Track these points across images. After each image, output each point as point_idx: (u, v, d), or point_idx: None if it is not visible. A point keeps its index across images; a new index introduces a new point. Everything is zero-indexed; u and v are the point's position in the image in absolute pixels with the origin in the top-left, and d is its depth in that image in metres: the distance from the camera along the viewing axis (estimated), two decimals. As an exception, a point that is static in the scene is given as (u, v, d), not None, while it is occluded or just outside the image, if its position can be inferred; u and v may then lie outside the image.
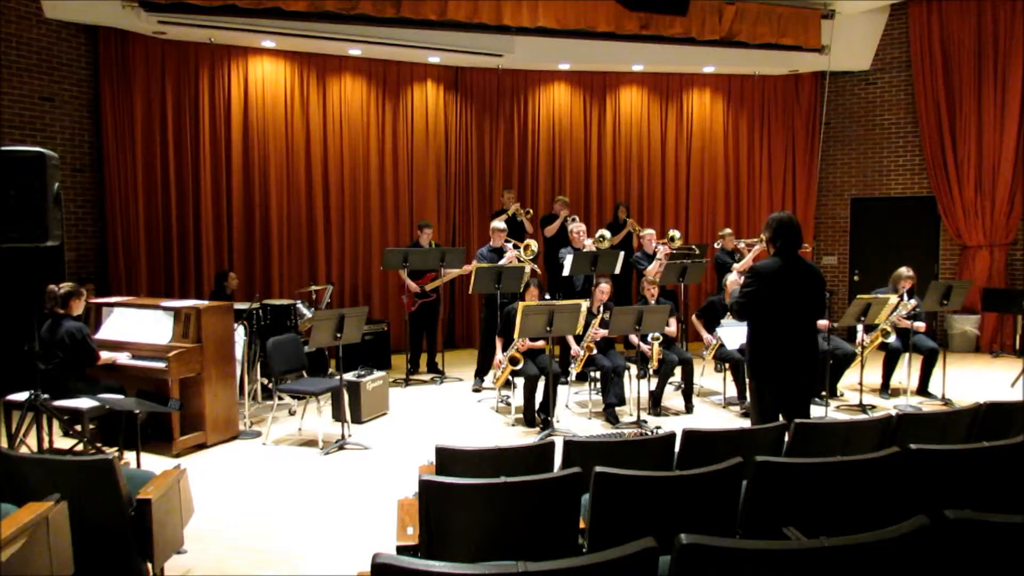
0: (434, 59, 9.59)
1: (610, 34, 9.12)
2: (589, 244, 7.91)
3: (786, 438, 3.57)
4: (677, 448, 3.45)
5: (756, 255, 8.46)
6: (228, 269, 8.30)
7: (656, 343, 6.58)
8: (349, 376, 6.42)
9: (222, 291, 7.80)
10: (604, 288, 6.81)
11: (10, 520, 2.51)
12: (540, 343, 6.54)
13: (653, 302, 6.88)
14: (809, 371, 4.47)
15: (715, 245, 9.10)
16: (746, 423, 6.26)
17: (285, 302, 7.34)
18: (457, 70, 10.04)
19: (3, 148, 3.91)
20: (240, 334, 6.40)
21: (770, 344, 4.38)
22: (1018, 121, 9.37)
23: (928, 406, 6.90)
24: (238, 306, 6.66)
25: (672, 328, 6.98)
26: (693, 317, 7.66)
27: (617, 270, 7.66)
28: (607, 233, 8.38)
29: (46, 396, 4.75)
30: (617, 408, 6.52)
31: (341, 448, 5.76)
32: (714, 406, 7.10)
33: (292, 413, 6.75)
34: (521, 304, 5.94)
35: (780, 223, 4.41)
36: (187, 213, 8.64)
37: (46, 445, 5.04)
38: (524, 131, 10.38)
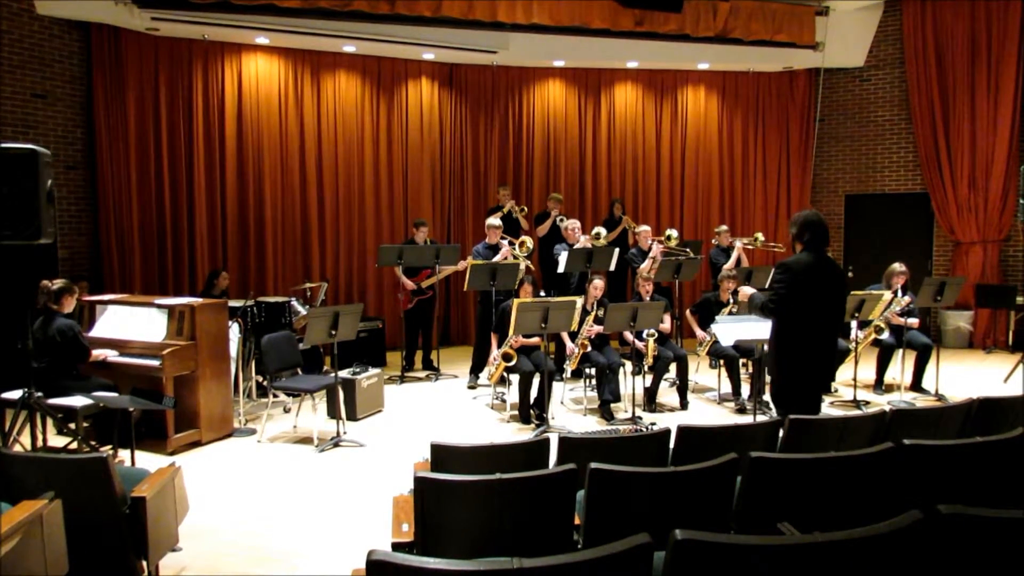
0: (428, 56, 9.57)
1: (605, 31, 9.11)
2: (584, 240, 7.92)
3: (780, 434, 3.58)
4: (672, 444, 3.46)
5: (738, 254, 8.62)
6: (221, 268, 8.26)
7: (651, 339, 6.59)
8: (344, 373, 6.41)
9: (210, 289, 7.74)
10: (598, 284, 6.81)
11: (4, 518, 2.50)
12: (535, 340, 6.54)
13: (648, 299, 6.89)
14: (833, 370, 4.48)
15: (712, 242, 9.13)
16: (741, 419, 6.28)
17: (280, 299, 7.33)
18: (451, 67, 10.02)
19: (-5, 145, 3.89)
20: (235, 331, 6.39)
21: (801, 343, 4.28)
22: (1011, 118, 9.40)
23: (922, 402, 6.94)
24: (232, 303, 6.64)
25: (667, 324, 6.99)
26: (688, 313, 7.68)
27: (612, 267, 7.67)
28: (602, 230, 8.39)
29: (40, 394, 4.74)
30: (612, 404, 6.53)
31: (336, 445, 5.75)
32: (709, 402, 7.11)
33: (287, 411, 6.74)
34: (516, 301, 5.94)
35: (808, 220, 4.33)
36: (181, 210, 8.61)
37: (40, 443, 5.03)
38: (519, 128, 10.37)
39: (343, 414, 6.11)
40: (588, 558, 1.85)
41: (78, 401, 4.94)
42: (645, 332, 6.53)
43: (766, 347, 6.45)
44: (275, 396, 6.68)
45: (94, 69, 8.02)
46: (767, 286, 4.45)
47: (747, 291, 4.63)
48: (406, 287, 8.14)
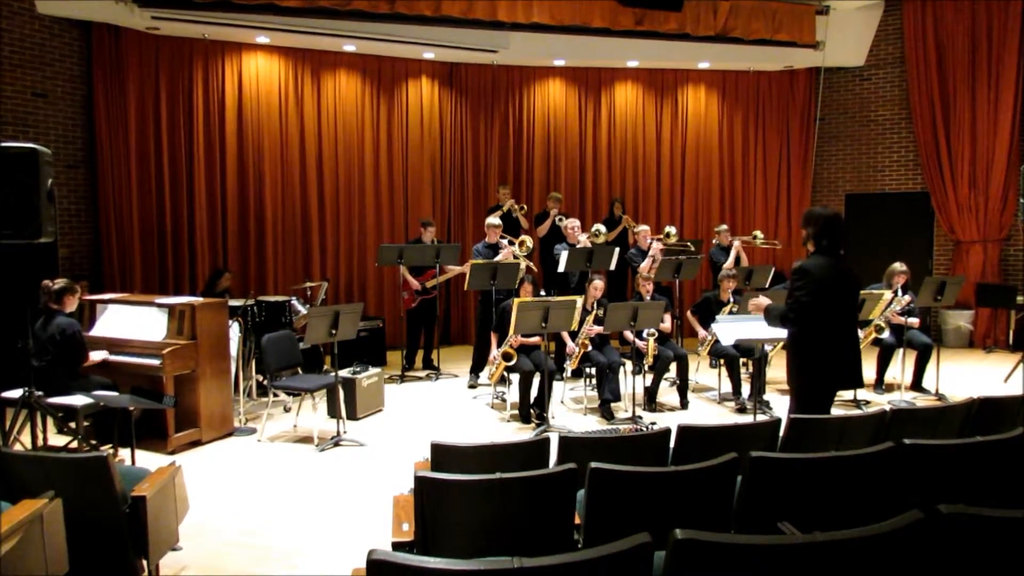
0: (429, 55, 9.57)
1: (605, 30, 9.11)
2: (583, 239, 7.92)
3: (780, 433, 3.58)
4: (672, 444, 3.45)
5: (736, 252, 8.70)
6: (224, 269, 8.26)
7: (651, 339, 6.59)
8: (344, 373, 6.41)
9: (213, 288, 7.74)
10: (598, 285, 6.80)
11: (5, 517, 2.50)
12: (535, 339, 6.54)
13: (648, 298, 6.89)
14: (859, 371, 4.22)
15: (712, 241, 9.12)
16: (741, 419, 6.28)
17: (280, 298, 7.33)
18: (452, 66, 10.02)
19: (-4, 144, 3.89)
20: (235, 331, 6.39)
21: (825, 350, 4.10)
22: (1011, 117, 9.39)
23: (922, 401, 6.94)
24: (233, 303, 6.64)
25: (667, 324, 6.99)
26: (688, 313, 7.68)
27: (612, 266, 7.67)
28: (602, 228, 8.38)
29: (40, 393, 4.74)
30: (612, 404, 6.53)
31: (336, 445, 5.75)
32: (709, 402, 7.11)
33: (287, 410, 6.74)
34: (516, 300, 5.94)
35: (827, 220, 4.10)
36: (181, 209, 8.61)
37: (40, 442, 5.03)
38: (519, 127, 10.37)
39: (343, 413, 6.11)
40: (588, 558, 1.85)
41: (78, 400, 4.94)
42: (645, 331, 6.53)
43: (766, 347, 6.46)
44: (275, 395, 6.68)
45: (94, 68, 8.02)
46: (787, 294, 4.23)
47: (761, 303, 4.38)
48: (412, 286, 8.14)
